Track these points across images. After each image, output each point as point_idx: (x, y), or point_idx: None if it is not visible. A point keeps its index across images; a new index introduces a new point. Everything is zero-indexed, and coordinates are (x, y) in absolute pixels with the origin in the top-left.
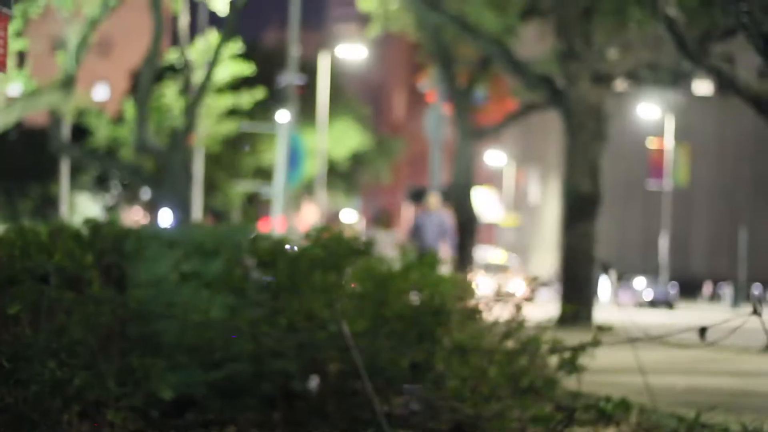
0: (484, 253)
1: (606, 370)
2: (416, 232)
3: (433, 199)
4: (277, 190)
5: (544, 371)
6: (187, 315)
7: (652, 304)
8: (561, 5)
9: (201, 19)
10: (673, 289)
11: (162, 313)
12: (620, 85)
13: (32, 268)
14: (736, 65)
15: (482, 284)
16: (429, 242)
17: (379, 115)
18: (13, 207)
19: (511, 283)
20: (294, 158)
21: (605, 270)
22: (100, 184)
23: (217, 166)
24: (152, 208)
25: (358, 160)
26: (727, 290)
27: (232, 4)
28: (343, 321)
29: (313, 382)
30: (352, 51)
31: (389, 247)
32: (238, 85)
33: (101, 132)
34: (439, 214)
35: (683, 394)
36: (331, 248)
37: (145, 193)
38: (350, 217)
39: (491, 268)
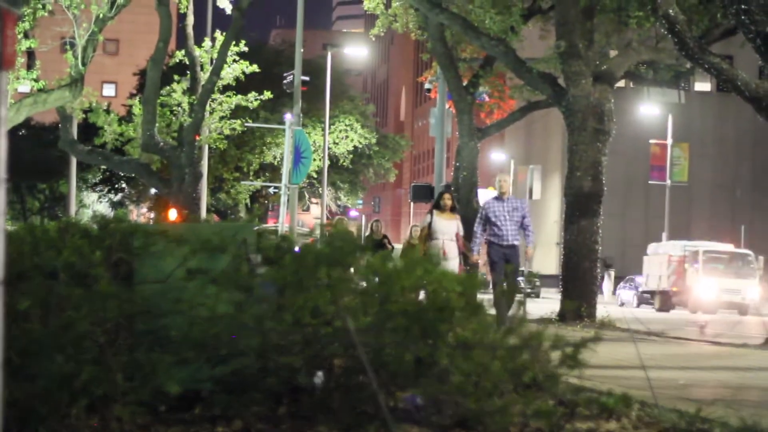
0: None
1: (607, 365)
2: (488, 221)
3: (505, 182)
4: (282, 187)
5: (547, 366)
6: (193, 311)
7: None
8: (562, 5)
9: (208, 18)
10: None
11: (169, 308)
12: (621, 82)
13: (42, 264)
14: (735, 64)
15: (707, 286)
16: (506, 234)
17: (384, 113)
18: (22, 204)
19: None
20: (299, 155)
21: (606, 267)
22: (108, 181)
23: (222, 164)
24: (160, 205)
25: (362, 157)
26: None
27: (237, 3)
28: (348, 317)
29: (318, 377)
30: (356, 50)
31: (450, 237)
32: (245, 83)
33: (109, 130)
34: (514, 199)
35: (684, 389)
36: (336, 245)
37: (153, 190)
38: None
39: (721, 261)
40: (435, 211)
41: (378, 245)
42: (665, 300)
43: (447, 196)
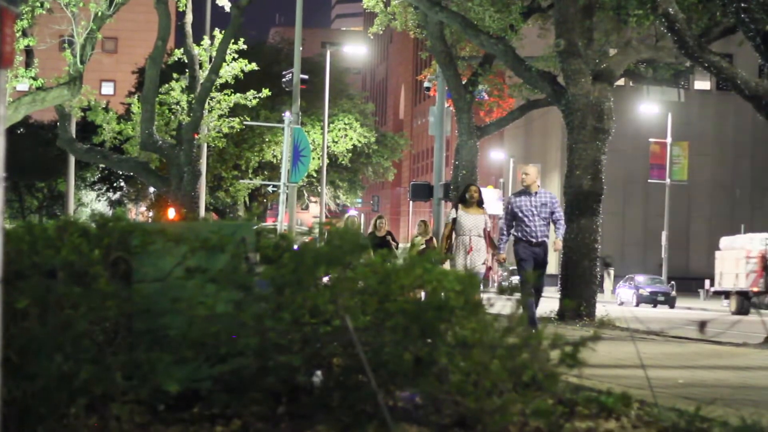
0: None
1: (607, 364)
2: (515, 217)
3: (528, 175)
4: (281, 185)
5: (546, 365)
6: (192, 310)
7: (652, 300)
8: (562, 3)
9: (207, 16)
10: (672, 286)
11: (168, 307)
12: (620, 81)
13: (40, 263)
14: (734, 62)
15: None
16: (534, 230)
17: (383, 111)
18: (20, 203)
19: None
20: (297, 154)
21: (606, 266)
22: (107, 180)
23: (221, 162)
24: (159, 203)
25: (361, 156)
26: None
27: (236, 1)
28: (347, 316)
29: (317, 376)
30: (355, 48)
31: (478, 233)
32: (244, 82)
33: (108, 128)
34: (544, 193)
35: (683, 388)
36: (335, 243)
37: (152, 189)
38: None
39: None
40: (460, 206)
41: (380, 243)
42: (743, 301)
43: (473, 188)
